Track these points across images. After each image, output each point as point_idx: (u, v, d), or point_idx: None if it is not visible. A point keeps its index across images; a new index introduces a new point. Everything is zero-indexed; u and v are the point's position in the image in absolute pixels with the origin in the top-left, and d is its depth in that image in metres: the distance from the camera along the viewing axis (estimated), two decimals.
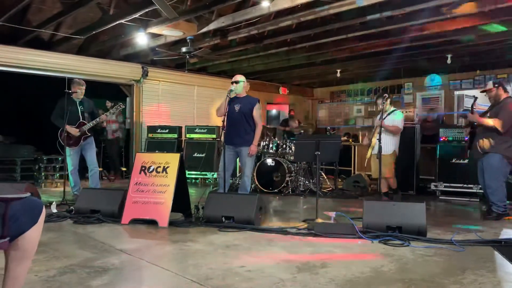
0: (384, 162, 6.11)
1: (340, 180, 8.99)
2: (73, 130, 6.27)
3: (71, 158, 6.35)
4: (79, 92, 6.37)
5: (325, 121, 13.88)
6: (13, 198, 1.90)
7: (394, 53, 8.83)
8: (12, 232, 1.95)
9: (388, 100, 6.54)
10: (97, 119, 6.36)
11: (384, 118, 6.22)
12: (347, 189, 8.05)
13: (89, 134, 6.41)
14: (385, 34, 7.73)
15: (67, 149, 6.30)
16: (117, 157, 10.09)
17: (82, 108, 6.41)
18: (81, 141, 6.35)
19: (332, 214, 4.74)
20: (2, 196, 1.88)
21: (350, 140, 10.93)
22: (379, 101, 6.43)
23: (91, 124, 6.35)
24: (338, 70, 11.11)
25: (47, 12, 7.47)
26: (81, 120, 6.36)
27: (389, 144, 6.38)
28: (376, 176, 6.35)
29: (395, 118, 6.50)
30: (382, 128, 6.05)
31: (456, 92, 11.16)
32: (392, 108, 6.65)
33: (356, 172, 9.63)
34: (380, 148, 5.83)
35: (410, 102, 11.90)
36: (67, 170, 6.45)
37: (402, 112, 7.08)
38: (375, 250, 3.77)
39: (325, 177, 8.69)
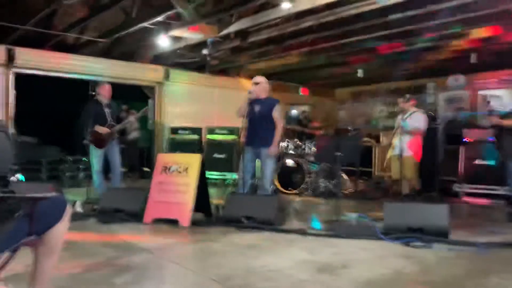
0: (406, 163, 6.04)
1: (361, 181, 8.89)
2: (104, 130, 6.28)
3: (97, 159, 6.39)
4: (105, 95, 6.44)
5: (346, 122, 13.76)
6: (39, 197, 1.97)
7: (416, 52, 8.70)
8: (40, 230, 2.02)
9: (410, 101, 6.45)
10: (126, 121, 6.43)
11: (405, 119, 6.14)
12: (369, 191, 7.97)
13: (116, 136, 6.48)
14: (407, 33, 7.63)
15: (94, 150, 6.39)
16: (136, 158, 10.22)
17: (109, 110, 6.46)
18: (108, 143, 6.41)
19: (353, 215, 4.70)
20: (29, 196, 1.95)
21: (372, 141, 10.80)
22: (401, 100, 6.35)
23: (121, 126, 6.44)
24: (360, 71, 11.00)
25: (72, 16, 7.64)
26: (109, 122, 6.37)
27: (411, 145, 6.28)
28: (396, 177, 6.28)
29: (418, 120, 6.38)
30: (403, 129, 5.96)
31: (481, 92, 10.93)
32: (414, 109, 6.55)
33: (378, 173, 9.52)
34: (401, 149, 5.76)
35: (433, 102, 11.70)
36: (91, 171, 6.55)
37: (424, 113, 6.96)
38: (396, 252, 3.73)
39: (346, 178, 8.61)
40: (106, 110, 6.41)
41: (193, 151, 9.10)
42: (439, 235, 4.07)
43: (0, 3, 6.69)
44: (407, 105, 6.30)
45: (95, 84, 6.67)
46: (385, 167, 7.59)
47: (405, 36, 7.80)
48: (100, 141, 6.33)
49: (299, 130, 11.16)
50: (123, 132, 6.59)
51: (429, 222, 4.14)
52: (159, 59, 9.83)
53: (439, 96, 11.66)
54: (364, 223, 4.64)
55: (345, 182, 8.49)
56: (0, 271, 1.99)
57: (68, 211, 2.18)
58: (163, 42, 7.97)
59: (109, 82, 6.77)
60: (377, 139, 11.16)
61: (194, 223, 4.81)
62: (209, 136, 9.59)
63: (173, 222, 4.81)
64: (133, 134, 10.15)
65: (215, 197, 6.27)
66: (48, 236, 2.07)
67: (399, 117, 6.36)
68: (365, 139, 10.80)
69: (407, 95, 6.40)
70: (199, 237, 4.29)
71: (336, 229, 4.37)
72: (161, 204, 4.96)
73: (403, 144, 5.79)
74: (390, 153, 6.45)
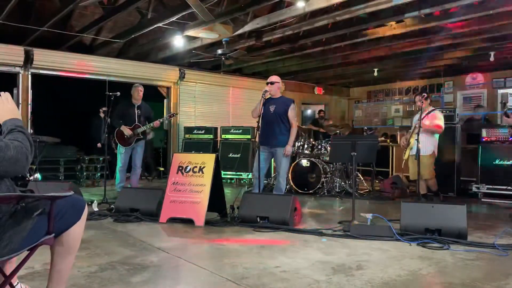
0: (423, 163, 5.96)
1: (377, 181, 8.82)
2: (127, 130, 6.63)
3: (122, 156, 6.70)
4: (136, 96, 6.75)
5: (361, 121, 13.66)
6: (58, 196, 1.99)
7: (433, 51, 8.60)
8: (57, 229, 2.04)
9: (428, 99, 6.36)
10: (151, 124, 6.66)
11: (423, 118, 6.06)
12: (385, 191, 7.91)
13: (142, 137, 6.74)
14: (423, 32, 7.55)
15: (120, 147, 6.68)
16: (151, 158, 10.30)
17: (139, 112, 6.77)
18: (134, 142, 6.68)
19: (369, 215, 4.66)
20: (48, 195, 1.98)
21: (388, 140, 10.71)
22: (418, 99, 6.27)
23: (144, 128, 6.70)
24: (376, 69, 10.92)
25: (89, 17, 7.75)
26: (136, 123, 6.71)
27: (428, 145, 6.20)
28: (414, 177, 6.20)
29: (434, 118, 6.30)
30: (421, 129, 5.90)
31: (500, 91, 10.73)
32: (431, 108, 6.46)
33: (394, 173, 9.44)
34: (418, 149, 5.69)
35: (451, 101, 11.54)
36: (112, 168, 6.73)
37: (442, 112, 6.87)
38: (413, 253, 3.69)
39: (362, 178, 8.56)
40: (137, 112, 6.74)
41: (208, 151, 9.22)
42: (457, 236, 4.02)
43: (19, 6, 6.81)
44: (424, 104, 6.22)
45: (114, 84, 6.87)
46: (403, 167, 7.49)
47: (421, 34, 7.72)
48: (123, 140, 6.65)
49: (314, 129, 11.14)
50: (143, 133, 6.78)
51: (447, 223, 4.09)
52: (174, 59, 9.90)
53: (457, 95, 11.50)
54: (380, 224, 4.59)
55: (361, 182, 8.45)
56: (19, 270, 2.02)
57: (85, 210, 2.21)
58: (178, 42, 8.03)
59: (124, 82, 6.93)
60: (393, 139, 11.07)
61: (209, 222, 4.83)
62: (224, 136, 9.62)
63: (189, 222, 4.85)
64: (150, 135, 10.25)
65: (230, 197, 6.29)
66: (65, 236, 2.10)
67: (416, 116, 6.28)
68: (381, 138, 10.72)
69: (424, 94, 6.32)
70: (214, 236, 4.31)
71: (352, 230, 4.34)
72: (176, 204, 4.99)
73: (420, 143, 5.72)
74: (407, 153, 6.37)
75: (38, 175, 7.41)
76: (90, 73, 9.07)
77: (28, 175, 2.13)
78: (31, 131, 8.00)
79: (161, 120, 6.82)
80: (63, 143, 8.64)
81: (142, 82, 9.68)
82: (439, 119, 6.31)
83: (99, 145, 8.88)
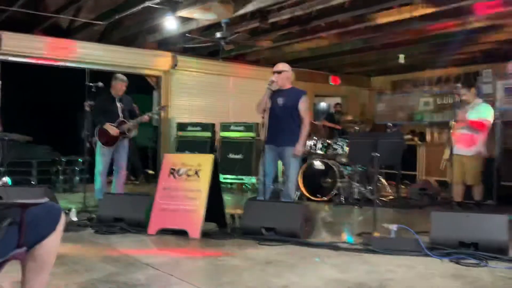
0: (467, 165, 5.94)
1: (403, 186, 8.80)
2: (113, 130, 6.52)
3: (102, 158, 6.60)
4: (118, 88, 6.68)
5: (385, 116, 13.62)
6: (30, 203, 2.01)
7: (468, 34, 8.56)
8: (30, 241, 2.06)
9: (473, 90, 6.25)
10: (139, 119, 6.60)
11: (467, 112, 6.03)
12: (412, 198, 7.89)
13: (126, 135, 6.68)
14: (456, 11, 7.52)
15: (100, 148, 6.59)
16: (137, 158, 10.28)
17: (122, 105, 6.70)
18: (118, 141, 6.61)
19: (393, 227, 4.66)
20: (18, 202, 1.99)
21: (416, 138, 10.69)
22: (463, 91, 6.19)
23: (132, 124, 6.64)
24: (401, 56, 10.89)
25: None
26: (121, 119, 6.62)
27: (472, 144, 6.16)
28: (456, 181, 6.15)
29: (483, 113, 6.22)
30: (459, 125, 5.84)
31: None
32: (477, 100, 6.35)
33: (423, 178, 9.42)
34: (451, 148, 5.68)
35: (490, 93, 11.49)
36: (94, 170, 6.67)
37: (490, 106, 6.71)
38: (444, 271, 3.69)
39: (385, 183, 8.55)
40: (119, 105, 6.66)
41: (204, 151, 9.22)
42: (497, 251, 4.01)
43: None
44: (469, 95, 6.15)
45: (96, 73, 6.81)
46: (442, 169, 7.38)
47: (455, 14, 7.68)
48: (108, 139, 6.54)
49: (329, 126, 11.13)
50: (129, 130, 6.72)
51: (485, 236, 4.08)
52: (165, 44, 9.92)
53: (497, 85, 11.45)
54: (406, 236, 4.59)
55: (384, 187, 8.44)
56: None
57: (62, 220, 2.22)
58: (169, 24, 8.04)
59: (106, 71, 6.92)
60: (422, 137, 11.05)
61: (206, 234, 4.84)
62: (223, 134, 9.63)
63: (182, 234, 4.85)
64: (133, 133, 10.23)
65: (231, 205, 6.30)
66: (39, 249, 2.11)
67: (460, 109, 6.21)
68: (408, 136, 10.70)
69: (471, 84, 6.24)
70: (211, 251, 4.32)
71: (373, 243, 4.34)
72: (168, 213, 5.01)
73: (464, 141, 5.68)
74: (447, 152, 6.29)
75: (7, 179, 7.45)
76: (67, 60, 9.10)
77: None
78: None
79: (150, 114, 6.81)
80: (36, 142, 8.67)
81: (127, 71, 9.72)
82: (487, 114, 6.21)
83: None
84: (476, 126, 6.11)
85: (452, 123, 6.29)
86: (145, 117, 6.71)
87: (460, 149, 6.13)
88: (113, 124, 6.56)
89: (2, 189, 5.16)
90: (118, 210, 5.29)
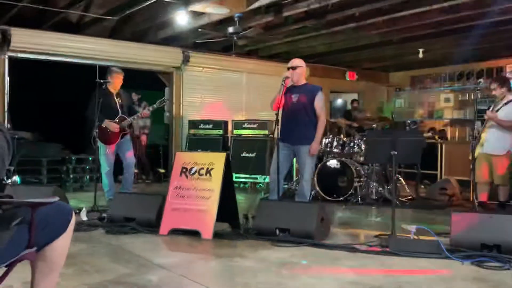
0: (496, 165, 5.87)
1: (422, 186, 8.72)
2: (113, 126, 6.47)
3: (106, 157, 6.58)
4: (115, 83, 6.61)
5: (403, 113, 13.54)
6: (40, 203, 2.03)
7: (492, 27, 8.46)
8: (40, 241, 2.08)
9: (506, 86, 6.15)
10: (138, 114, 6.55)
11: (498, 109, 5.96)
12: (432, 198, 7.83)
13: (127, 131, 6.64)
14: (478, 3, 7.43)
15: (102, 147, 6.56)
16: (145, 157, 10.32)
17: (120, 100, 6.65)
18: (119, 138, 6.56)
19: (412, 228, 4.63)
20: (28, 201, 2.01)
21: (436, 136, 10.60)
22: (495, 86, 6.12)
23: (132, 120, 6.60)
24: (420, 50, 10.81)
25: None
26: (120, 115, 6.57)
27: (503, 142, 6.08)
28: (483, 180, 6.08)
29: None
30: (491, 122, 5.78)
31: None
32: (510, 96, 6.25)
33: (444, 177, 9.34)
34: (474, 145, 5.62)
35: None
36: (100, 172, 6.71)
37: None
38: (466, 274, 3.66)
39: (404, 183, 8.49)
40: (117, 100, 6.61)
41: (217, 149, 9.25)
42: None
43: None
44: (501, 91, 6.08)
45: (106, 70, 6.79)
46: (471, 169, 7.29)
47: (477, 6, 7.60)
48: (108, 137, 6.49)
49: (346, 123, 11.08)
50: (129, 126, 6.69)
51: (508, 238, 4.03)
52: (176, 39, 9.95)
53: None
54: (426, 238, 4.56)
55: (403, 187, 8.38)
56: None
57: (73, 220, 2.24)
58: (181, 19, 8.06)
59: (117, 67, 6.93)
60: (443, 134, 10.95)
61: (219, 235, 4.85)
62: (236, 131, 9.64)
63: (194, 234, 4.87)
64: (145, 131, 10.27)
65: (244, 205, 6.30)
66: (48, 250, 2.13)
67: (491, 106, 6.14)
68: (428, 134, 10.62)
69: (501, 79, 6.15)
70: (224, 251, 4.33)
71: (391, 245, 4.32)
72: (179, 213, 5.03)
73: (494, 140, 5.61)
74: (478, 150, 6.23)
75: (16, 178, 7.54)
76: (77, 56, 9.17)
77: (5, 178, 2.17)
78: (9, 126, 8.11)
79: (150, 108, 6.76)
80: (46, 140, 8.78)
81: (138, 67, 9.82)
82: None
83: None
84: (507, 124, 6.02)
85: (484, 118, 6.20)
86: (145, 112, 6.65)
87: (488, 147, 6.06)
88: (112, 121, 6.49)
89: (11, 189, 5.22)
90: (129, 209, 5.33)
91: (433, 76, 13.37)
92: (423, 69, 13.37)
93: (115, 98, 6.64)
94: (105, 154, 6.59)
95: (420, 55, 11.01)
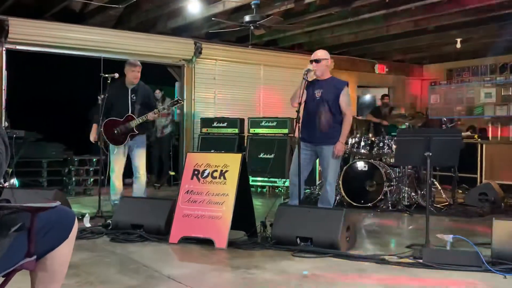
0: None
1: (460, 191, 8.64)
2: (117, 123, 6.40)
3: (115, 158, 6.56)
4: (130, 76, 6.48)
5: (439, 110, 13.44)
6: (40, 207, 2.05)
7: None
8: (40, 249, 2.10)
9: None
10: (144, 117, 6.37)
11: None
12: (471, 204, 7.76)
13: (137, 132, 6.47)
14: None
15: (111, 146, 6.54)
16: (167, 160, 10.34)
17: (134, 97, 6.49)
18: (128, 138, 6.48)
19: (449, 238, 4.60)
20: (27, 205, 2.03)
21: (476, 136, 10.49)
22: None
23: (138, 122, 6.39)
24: (458, 40, 10.72)
25: None
26: (129, 114, 6.44)
27: None
28: None
29: None
30: None
31: None
32: None
33: (485, 181, 9.24)
34: None
35: None
36: (106, 173, 6.68)
37: None
38: None
39: (439, 187, 8.43)
40: (131, 97, 6.49)
41: (232, 150, 9.27)
42: None
43: None
44: None
45: (111, 63, 6.73)
46: None
47: None
48: (113, 136, 6.48)
49: (374, 121, 11.03)
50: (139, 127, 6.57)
51: None
52: (188, 29, 10.00)
53: None
54: (464, 249, 4.52)
55: (438, 192, 8.32)
56: None
57: (75, 226, 2.27)
58: (193, 7, 8.10)
59: (123, 59, 6.93)
60: (483, 134, 10.82)
61: (234, 244, 4.86)
62: (253, 130, 9.65)
63: (207, 243, 4.88)
64: (166, 130, 10.27)
65: (261, 211, 6.31)
66: (50, 259, 2.16)
67: None
68: (466, 133, 10.51)
69: None
70: (239, 262, 4.34)
71: (425, 256, 4.29)
72: (191, 219, 5.05)
73: None
74: None
75: (15, 181, 7.63)
76: (80, 48, 9.25)
77: (2, 181, 2.20)
78: (7, 124, 8.21)
79: (161, 110, 6.59)
80: (46, 140, 8.86)
81: (146, 60, 9.82)
82: None
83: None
84: None
85: None
86: (151, 115, 6.39)
87: None
88: (119, 119, 6.41)
89: (9, 192, 5.29)
90: (136, 215, 5.36)
91: (472, 68, 13.24)
92: (461, 61, 13.27)
93: (130, 95, 6.50)
94: (114, 154, 6.56)
95: (458, 45, 10.92)
